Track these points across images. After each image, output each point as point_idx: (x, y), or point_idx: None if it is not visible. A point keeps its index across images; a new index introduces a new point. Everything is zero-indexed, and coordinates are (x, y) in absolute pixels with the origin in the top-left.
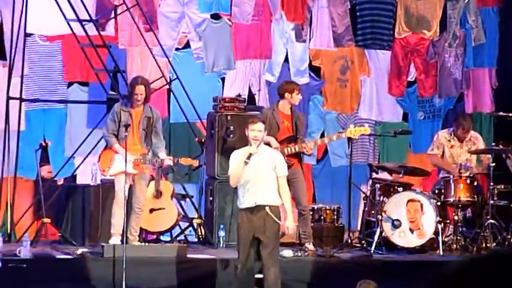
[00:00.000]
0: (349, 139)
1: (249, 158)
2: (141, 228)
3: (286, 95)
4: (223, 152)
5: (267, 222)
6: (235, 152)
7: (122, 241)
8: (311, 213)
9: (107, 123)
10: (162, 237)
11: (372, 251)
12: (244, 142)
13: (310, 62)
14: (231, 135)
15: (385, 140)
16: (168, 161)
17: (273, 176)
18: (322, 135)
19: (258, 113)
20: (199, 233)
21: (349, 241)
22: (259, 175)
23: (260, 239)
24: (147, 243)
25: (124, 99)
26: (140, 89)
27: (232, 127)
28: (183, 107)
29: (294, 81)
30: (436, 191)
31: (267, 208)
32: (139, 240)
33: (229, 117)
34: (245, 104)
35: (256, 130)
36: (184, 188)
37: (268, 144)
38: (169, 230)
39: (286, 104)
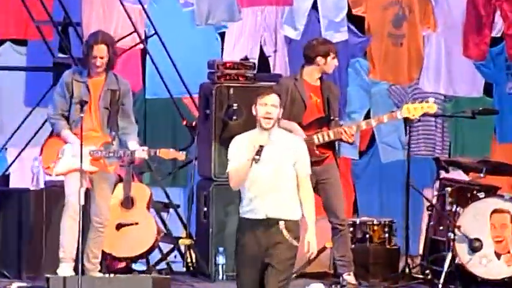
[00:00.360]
0: (407, 121)
1: (259, 152)
2: (103, 252)
3: (319, 59)
4: (223, 142)
5: (280, 242)
6: (238, 138)
7: (75, 270)
8: (351, 229)
9: (54, 99)
10: (134, 266)
11: (441, 286)
12: (253, 127)
13: (350, 9)
14: (235, 117)
15: (458, 124)
16: (142, 153)
17: (292, 176)
18: (368, 116)
19: (274, 84)
20: (189, 260)
21: (407, 270)
22: (273, 174)
23: (269, 264)
24: (112, 275)
25: (78, 65)
26: (101, 50)
27: (236, 105)
28: (164, 76)
29: (328, 39)
30: None
31: (281, 224)
32: (100, 270)
33: (231, 91)
34: (255, 71)
35: (269, 104)
36: (166, 194)
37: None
38: (145, 254)
39: (315, 71)
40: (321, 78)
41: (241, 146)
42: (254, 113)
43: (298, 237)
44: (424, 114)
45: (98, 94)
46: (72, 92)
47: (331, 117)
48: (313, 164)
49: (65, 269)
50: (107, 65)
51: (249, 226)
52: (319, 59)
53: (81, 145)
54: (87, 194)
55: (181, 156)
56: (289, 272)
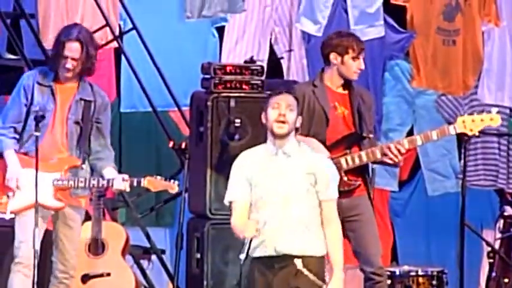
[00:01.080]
0: (462, 141)
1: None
2: None
3: (332, 57)
4: (222, 169)
5: (300, 284)
6: (242, 157)
7: None
8: (389, 282)
9: (6, 107)
10: None
11: None
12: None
13: None
14: (237, 136)
15: None
16: (122, 183)
17: (311, 200)
18: (410, 133)
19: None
20: None
21: None
22: (286, 197)
23: None
24: None
25: (46, 65)
26: (73, 49)
27: (238, 121)
28: (144, 83)
29: (353, 32)
30: None
31: (297, 262)
32: None
33: (232, 103)
34: (263, 76)
35: (282, 106)
36: (148, 237)
37: None
38: None
39: (335, 75)
40: (348, 84)
41: (246, 170)
42: (264, 120)
43: (323, 277)
44: (483, 132)
45: (67, 104)
46: (32, 98)
47: (363, 134)
48: (340, 195)
49: None
50: (81, 70)
51: (257, 267)
52: (333, 57)
53: (37, 171)
54: (45, 236)
55: (173, 187)
56: None
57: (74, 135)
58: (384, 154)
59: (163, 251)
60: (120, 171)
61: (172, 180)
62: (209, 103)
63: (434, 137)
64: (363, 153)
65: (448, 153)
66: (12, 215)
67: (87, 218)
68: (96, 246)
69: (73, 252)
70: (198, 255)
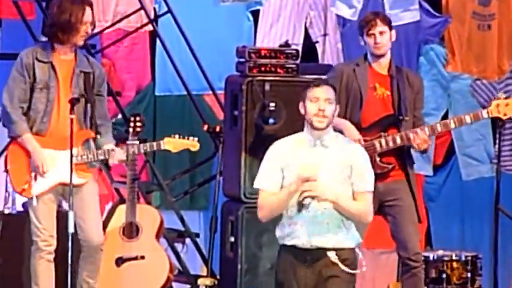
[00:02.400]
0: (496, 123)
1: (300, 208)
2: None
3: (360, 39)
4: (256, 152)
5: (334, 276)
6: (278, 144)
7: None
8: (424, 266)
9: (9, 87)
10: None
11: None
12: (295, 132)
13: None
14: (272, 120)
15: None
16: (121, 154)
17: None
18: (445, 118)
19: (324, 77)
20: None
21: None
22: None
23: None
24: None
25: (43, 41)
26: (90, 14)
27: (273, 104)
28: (179, 67)
29: (377, 11)
30: None
31: (331, 254)
32: None
33: (267, 86)
34: (298, 60)
35: (321, 99)
36: (182, 220)
37: (340, 132)
38: None
39: (370, 55)
40: (391, 65)
41: (281, 158)
42: (302, 111)
43: (356, 268)
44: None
45: (68, 78)
46: (34, 76)
47: (402, 117)
48: (375, 179)
49: None
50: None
51: (289, 257)
52: (360, 39)
53: (71, 152)
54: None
55: (194, 144)
56: None
57: (80, 108)
58: (409, 139)
59: (197, 235)
60: (154, 154)
61: (191, 138)
62: (244, 87)
63: (468, 120)
64: (397, 136)
65: (482, 138)
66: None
67: (121, 201)
68: (131, 230)
69: (98, 226)
70: (232, 239)
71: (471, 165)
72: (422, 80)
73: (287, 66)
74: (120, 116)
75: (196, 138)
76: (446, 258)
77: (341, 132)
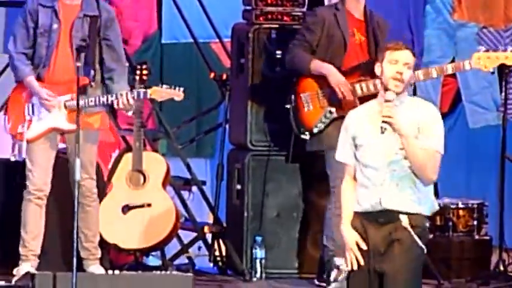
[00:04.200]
0: (503, 71)
1: (382, 129)
2: (106, 244)
3: None
4: (263, 100)
5: (401, 240)
6: (352, 115)
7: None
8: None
9: (14, 32)
10: (147, 260)
11: None
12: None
13: None
14: (278, 68)
15: None
16: (126, 99)
17: None
18: None
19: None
20: (217, 253)
21: (502, 268)
22: (397, 152)
23: (384, 274)
24: (117, 271)
25: None
26: None
27: (279, 53)
28: (186, 15)
29: None
30: None
31: (403, 218)
32: (101, 263)
33: (274, 34)
34: (304, 8)
35: (400, 62)
36: (188, 168)
37: (322, 77)
38: (161, 245)
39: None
40: (366, 10)
41: (352, 128)
42: (378, 72)
43: (426, 238)
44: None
45: (70, 21)
46: (37, 21)
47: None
48: None
49: (24, 271)
50: None
51: (360, 223)
52: None
53: (78, 99)
54: (60, 165)
55: (179, 94)
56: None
57: (81, 53)
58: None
59: (203, 182)
60: (161, 102)
61: (177, 88)
62: (250, 35)
63: (449, 71)
64: (378, 81)
65: (489, 86)
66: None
67: (128, 149)
68: (137, 178)
69: (92, 173)
70: (239, 187)
71: (478, 113)
72: (389, 26)
73: (293, 14)
74: (127, 64)
75: (182, 89)
76: (452, 206)
77: (324, 76)
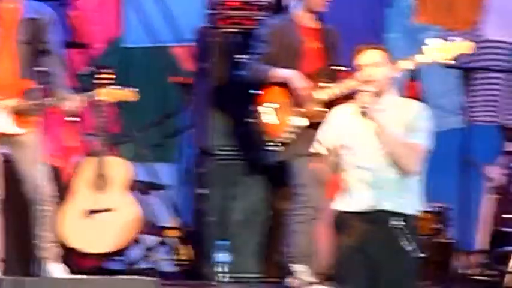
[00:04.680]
0: (465, 74)
1: (363, 114)
2: (69, 248)
3: None
4: (227, 104)
5: (395, 247)
6: (336, 110)
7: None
8: None
9: None
10: (109, 265)
11: None
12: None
13: None
14: (243, 72)
15: None
16: (74, 102)
17: None
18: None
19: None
20: (182, 257)
21: (464, 271)
22: (384, 154)
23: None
24: (81, 276)
25: None
26: None
27: (245, 56)
28: (148, 18)
29: None
30: None
31: (395, 221)
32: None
33: (238, 39)
34: (269, 12)
35: (366, 66)
36: (153, 172)
37: (285, 87)
38: (125, 250)
39: (305, 9)
40: (320, 19)
41: (336, 124)
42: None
43: (418, 241)
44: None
45: (13, 25)
46: None
47: (336, 68)
48: (317, 127)
49: None
50: None
51: (349, 223)
52: None
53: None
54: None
55: (132, 94)
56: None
57: (25, 56)
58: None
59: (168, 187)
60: (125, 105)
61: (131, 88)
62: (214, 39)
63: (409, 65)
64: (335, 85)
65: (452, 89)
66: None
67: (92, 153)
68: (100, 182)
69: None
70: (203, 191)
71: (440, 116)
72: (338, 35)
73: (257, 18)
74: (89, 68)
75: (135, 89)
76: None
77: (287, 83)
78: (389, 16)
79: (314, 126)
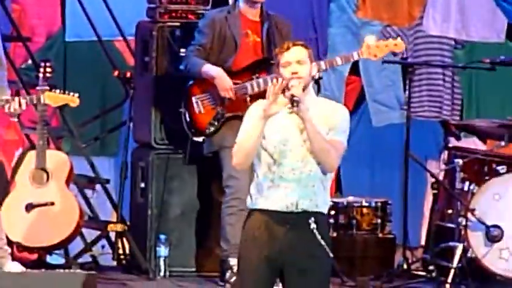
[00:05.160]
0: (406, 70)
1: (294, 103)
2: (9, 241)
3: None
4: (167, 98)
5: (314, 248)
6: (259, 105)
7: None
8: (332, 213)
9: None
10: (49, 258)
11: (448, 286)
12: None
13: None
14: (182, 66)
15: (473, 77)
16: (17, 104)
17: None
18: (355, 66)
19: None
20: (121, 251)
21: (405, 266)
22: (304, 152)
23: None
24: (20, 269)
25: None
26: None
27: (184, 50)
28: (89, 12)
29: None
30: None
31: (311, 222)
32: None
33: (178, 32)
34: (208, 6)
35: (293, 62)
36: (92, 166)
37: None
38: (64, 244)
39: (247, 1)
40: (262, 11)
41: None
42: (276, 71)
43: (330, 241)
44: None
45: None
46: None
47: (271, 61)
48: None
49: None
50: None
51: (264, 222)
52: None
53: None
54: None
55: (74, 100)
56: None
57: None
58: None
59: (107, 180)
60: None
61: (72, 93)
62: (154, 33)
63: (338, 62)
64: (268, 78)
65: (392, 84)
66: None
67: (32, 147)
68: (40, 176)
69: None
70: (142, 185)
71: (381, 111)
72: (290, 26)
73: (198, 11)
74: (30, 61)
75: (77, 94)
76: (356, 205)
77: (211, 77)
78: (333, 11)
79: (241, 118)
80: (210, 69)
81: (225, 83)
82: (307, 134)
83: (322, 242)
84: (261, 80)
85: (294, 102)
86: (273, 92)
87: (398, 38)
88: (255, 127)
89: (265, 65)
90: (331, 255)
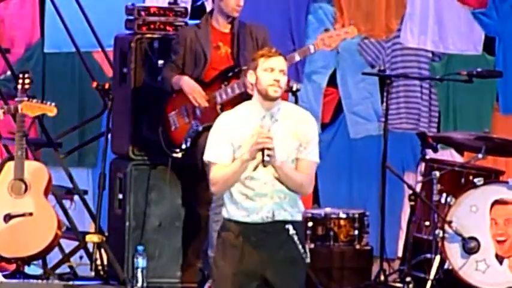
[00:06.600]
0: (384, 82)
1: (269, 155)
2: None
3: None
4: (145, 110)
5: (293, 253)
6: (224, 117)
7: None
8: (310, 224)
9: None
10: (27, 269)
11: None
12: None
13: None
14: (160, 77)
15: (451, 89)
16: None
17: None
18: (333, 78)
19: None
20: (98, 262)
21: (382, 277)
22: (280, 162)
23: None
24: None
25: None
26: None
27: (162, 62)
28: (68, 24)
29: None
30: None
31: (289, 228)
32: None
33: (156, 44)
34: (187, 18)
35: (276, 70)
36: (70, 177)
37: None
38: (43, 254)
39: (219, 14)
40: (233, 23)
41: (229, 131)
42: (252, 80)
43: (305, 246)
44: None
45: None
46: None
47: (240, 68)
48: None
49: None
50: None
51: (243, 232)
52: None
53: None
54: None
55: (51, 109)
56: None
57: None
58: (245, 85)
59: (85, 191)
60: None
61: (49, 103)
62: (132, 44)
63: (296, 58)
64: (235, 84)
65: (370, 96)
66: None
67: (10, 158)
68: (19, 186)
69: None
70: (121, 196)
71: (359, 123)
72: (266, 31)
73: (176, 24)
74: (9, 72)
75: (53, 104)
76: (333, 216)
77: (181, 88)
78: (311, 23)
79: None
80: (179, 79)
81: (191, 87)
82: (280, 178)
83: (300, 247)
84: (228, 87)
85: (263, 162)
86: (252, 152)
87: (351, 26)
88: (237, 173)
89: (234, 72)
90: (309, 260)
